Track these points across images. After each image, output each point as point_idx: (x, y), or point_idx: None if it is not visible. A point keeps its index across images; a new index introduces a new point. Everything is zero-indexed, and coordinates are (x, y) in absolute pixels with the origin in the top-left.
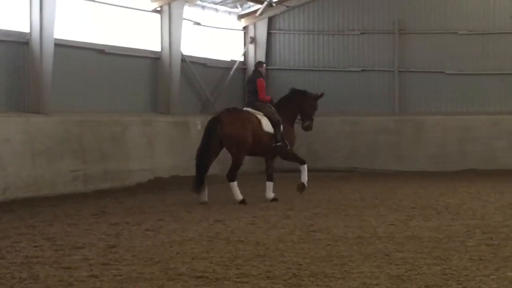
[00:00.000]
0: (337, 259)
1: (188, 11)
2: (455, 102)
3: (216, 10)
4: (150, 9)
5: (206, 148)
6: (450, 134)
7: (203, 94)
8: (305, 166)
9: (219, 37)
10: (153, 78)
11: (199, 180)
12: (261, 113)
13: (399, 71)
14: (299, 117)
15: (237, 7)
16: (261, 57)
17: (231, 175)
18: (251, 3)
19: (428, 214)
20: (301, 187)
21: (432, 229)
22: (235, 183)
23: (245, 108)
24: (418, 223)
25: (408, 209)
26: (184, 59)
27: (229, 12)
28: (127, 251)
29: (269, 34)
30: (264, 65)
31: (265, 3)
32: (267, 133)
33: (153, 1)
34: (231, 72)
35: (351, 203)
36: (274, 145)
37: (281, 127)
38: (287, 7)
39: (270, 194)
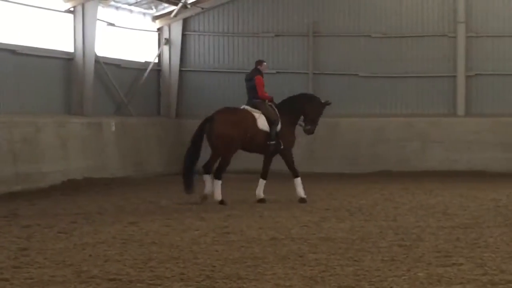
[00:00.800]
0: (250, 261)
1: (102, 12)
2: (368, 104)
3: (131, 11)
4: (63, 9)
5: (194, 148)
6: (363, 136)
7: (117, 95)
8: (299, 179)
9: (133, 38)
10: (66, 79)
11: (187, 180)
12: (259, 111)
13: (314, 74)
14: (302, 120)
15: (151, 8)
16: (176, 59)
17: (218, 173)
18: (166, 5)
19: (341, 215)
20: (302, 201)
21: (345, 230)
22: (220, 182)
23: (243, 107)
24: (331, 224)
25: (322, 211)
26: (98, 60)
27: (144, 13)
28: (38, 254)
29: (184, 36)
30: (265, 63)
31: (180, 4)
32: (262, 131)
33: (66, 1)
34: (146, 74)
35: (265, 204)
36: (268, 143)
37: (278, 126)
38: (202, 8)
39: (260, 193)
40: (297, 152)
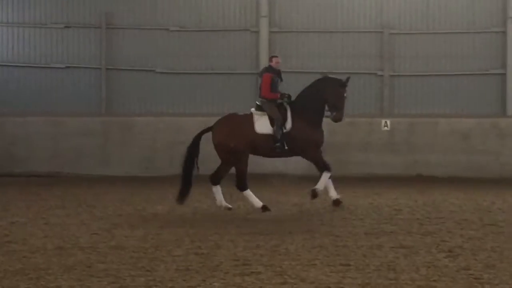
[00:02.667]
0: (33, 272)
1: None
2: (166, 102)
3: None
4: None
5: (189, 157)
6: (160, 136)
7: None
8: (327, 174)
9: None
10: None
11: (184, 191)
12: (263, 112)
13: (107, 69)
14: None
15: None
16: None
17: (240, 184)
18: None
19: (135, 222)
20: (313, 194)
21: (138, 238)
22: (248, 191)
23: (251, 109)
24: (123, 231)
25: (113, 217)
26: None
27: None
28: None
29: None
30: (276, 58)
31: None
32: (263, 135)
33: None
34: None
35: (52, 211)
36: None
37: (288, 125)
38: None
39: (334, 195)
40: (89, 155)
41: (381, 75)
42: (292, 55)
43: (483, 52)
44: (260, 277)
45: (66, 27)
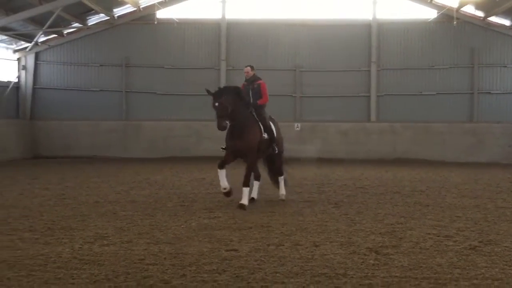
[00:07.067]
0: (80, 217)
1: None
2: (163, 112)
3: None
4: None
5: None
6: (159, 133)
7: None
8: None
9: None
10: None
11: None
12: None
13: (126, 91)
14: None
15: (12, 44)
16: (30, 80)
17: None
18: (23, 42)
19: (143, 186)
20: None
21: (145, 196)
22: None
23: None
24: (136, 192)
25: (130, 183)
26: None
27: (6, 47)
28: None
29: (36, 64)
30: (245, 68)
31: (33, 42)
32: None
33: None
34: (8, 89)
35: (91, 179)
36: None
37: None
38: (49, 46)
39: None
40: (114, 144)
41: (295, 96)
42: (240, 83)
43: (356, 82)
44: (220, 219)
45: (101, 65)
